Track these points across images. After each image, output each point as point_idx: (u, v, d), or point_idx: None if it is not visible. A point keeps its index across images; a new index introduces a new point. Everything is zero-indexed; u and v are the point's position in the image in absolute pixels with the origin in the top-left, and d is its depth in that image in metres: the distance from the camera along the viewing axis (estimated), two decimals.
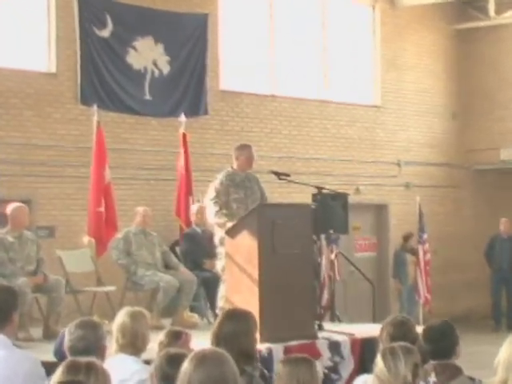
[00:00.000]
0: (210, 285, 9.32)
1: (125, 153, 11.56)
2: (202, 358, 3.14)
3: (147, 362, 4.58)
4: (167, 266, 9.48)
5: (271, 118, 13.44)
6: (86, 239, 9.86)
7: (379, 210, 15.08)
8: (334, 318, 10.26)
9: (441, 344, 4.50)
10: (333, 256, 10.70)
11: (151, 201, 11.36)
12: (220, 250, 8.11)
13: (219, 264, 8.22)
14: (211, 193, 8.18)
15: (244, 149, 8.36)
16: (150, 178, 11.81)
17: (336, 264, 10.81)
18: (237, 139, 11.76)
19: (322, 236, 10.53)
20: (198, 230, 10.19)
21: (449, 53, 16.02)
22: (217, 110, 12.70)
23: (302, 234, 7.61)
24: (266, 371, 4.37)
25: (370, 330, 7.82)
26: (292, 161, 13.51)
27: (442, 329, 4.57)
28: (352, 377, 7.08)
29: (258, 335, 4.35)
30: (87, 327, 4.27)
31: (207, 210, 8.25)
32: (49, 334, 8.13)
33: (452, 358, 4.51)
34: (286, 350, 6.99)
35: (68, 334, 4.29)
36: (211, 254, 9.27)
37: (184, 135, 10.97)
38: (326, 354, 7.48)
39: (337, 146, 14.30)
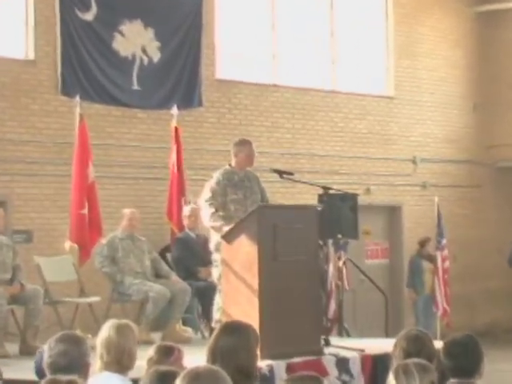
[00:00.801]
0: (205, 295, 9.32)
1: (110, 149, 11.56)
2: (196, 377, 3.14)
3: (135, 381, 4.58)
4: (157, 275, 9.48)
5: (273, 110, 13.45)
6: (67, 245, 9.87)
7: (392, 213, 15.08)
8: (342, 332, 10.27)
9: (463, 360, 4.49)
10: (341, 263, 10.71)
11: (139, 202, 11.35)
12: (216, 257, 8.11)
13: (215, 272, 8.23)
14: (206, 193, 8.18)
15: (243, 145, 8.36)
16: (139, 176, 11.82)
17: (344, 272, 10.82)
18: (235, 134, 11.75)
19: (329, 241, 10.54)
20: (192, 234, 10.20)
21: (469, 38, 16.03)
22: (212, 101, 12.70)
23: (306, 238, 7.62)
24: None
25: (382, 345, 7.84)
26: (296, 158, 13.52)
27: (466, 343, 4.57)
28: None
29: (258, 351, 4.35)
30: (69, 342, 4.27)
31: (202, 212, 8.25)
32: (26, 350, 8.13)
33: (475, 376, 4.51)
34: (289, 368, 7.00)
35: (48, 349, 4.28)
36: (206, 261, 9.29)
37: (176, 129, 10.98)
38: (333, 371, 7.48)
39: (345, 141, 14.31)
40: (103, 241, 9.50)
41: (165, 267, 9.59)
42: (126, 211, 9.66)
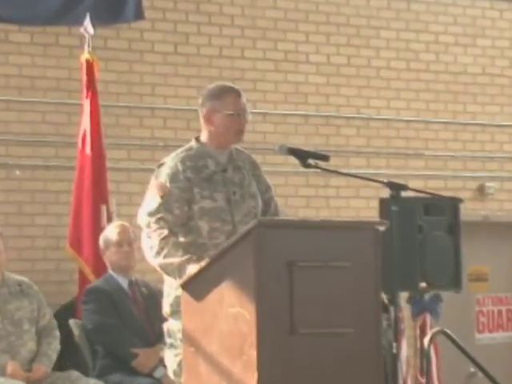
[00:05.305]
0: None
1: None
2: None
3: None
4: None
5: (285, 25, 13.48)
6: None
7: None
8: None
9: None
10: (426, 340, 10.75)
11: (16, 215, 11.46)
12: (171, 327, 8.15)
13: (170, 358, 8.25)
14: (152, 199, 8.18)
15: (222, 96, 8.33)
16: (13, 162, 11.85)
17: (433, 358, 10.85)
18: (208, 76, 11.81)
19: (401, 295, 10.55)
20: (122, 281, 10.30)
21: None
22: (164, 9, 12.76)
23: (355, 290, 7.63)
24: None
25: None
26: (333, 125, 13.57)
27: None
28: None
29: None
30: None
31: (143, 236, 8.25)
32: None
33: None
34: None
35: None
36: (151, 337, 9.43)
37: (90, 66, 11.08)
38: None
39: (435, 90, 14.37)
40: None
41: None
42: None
